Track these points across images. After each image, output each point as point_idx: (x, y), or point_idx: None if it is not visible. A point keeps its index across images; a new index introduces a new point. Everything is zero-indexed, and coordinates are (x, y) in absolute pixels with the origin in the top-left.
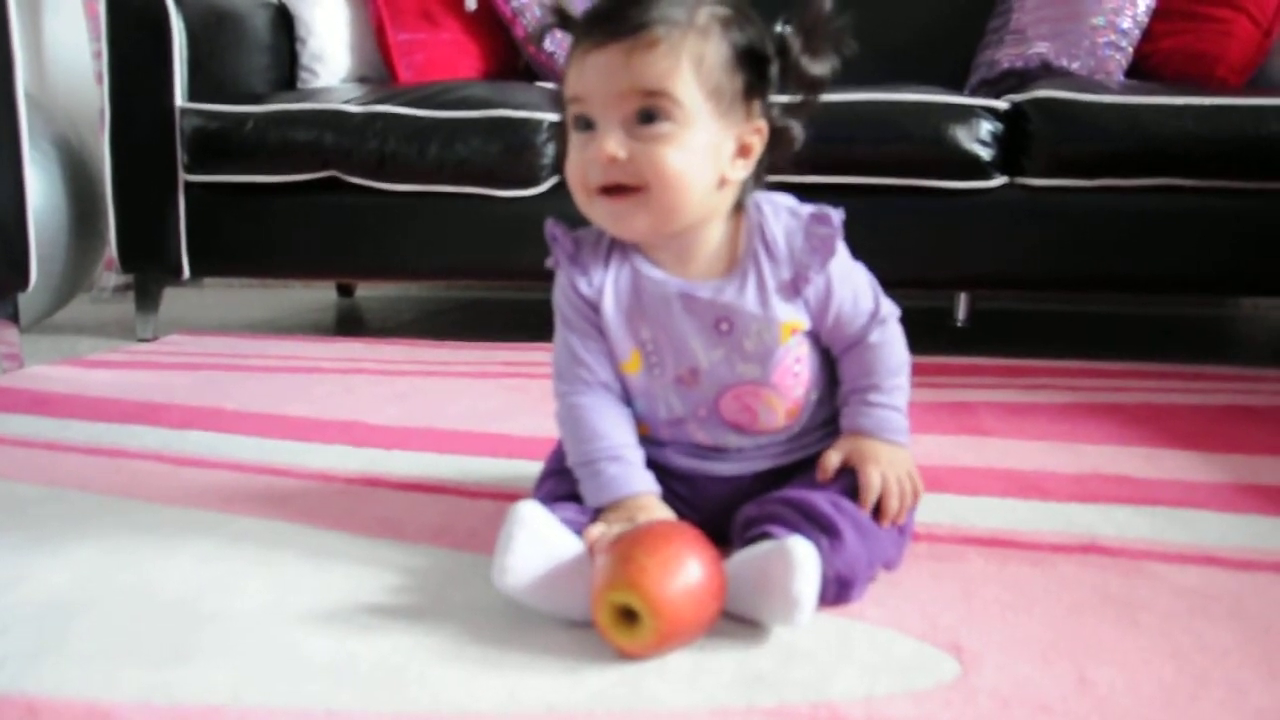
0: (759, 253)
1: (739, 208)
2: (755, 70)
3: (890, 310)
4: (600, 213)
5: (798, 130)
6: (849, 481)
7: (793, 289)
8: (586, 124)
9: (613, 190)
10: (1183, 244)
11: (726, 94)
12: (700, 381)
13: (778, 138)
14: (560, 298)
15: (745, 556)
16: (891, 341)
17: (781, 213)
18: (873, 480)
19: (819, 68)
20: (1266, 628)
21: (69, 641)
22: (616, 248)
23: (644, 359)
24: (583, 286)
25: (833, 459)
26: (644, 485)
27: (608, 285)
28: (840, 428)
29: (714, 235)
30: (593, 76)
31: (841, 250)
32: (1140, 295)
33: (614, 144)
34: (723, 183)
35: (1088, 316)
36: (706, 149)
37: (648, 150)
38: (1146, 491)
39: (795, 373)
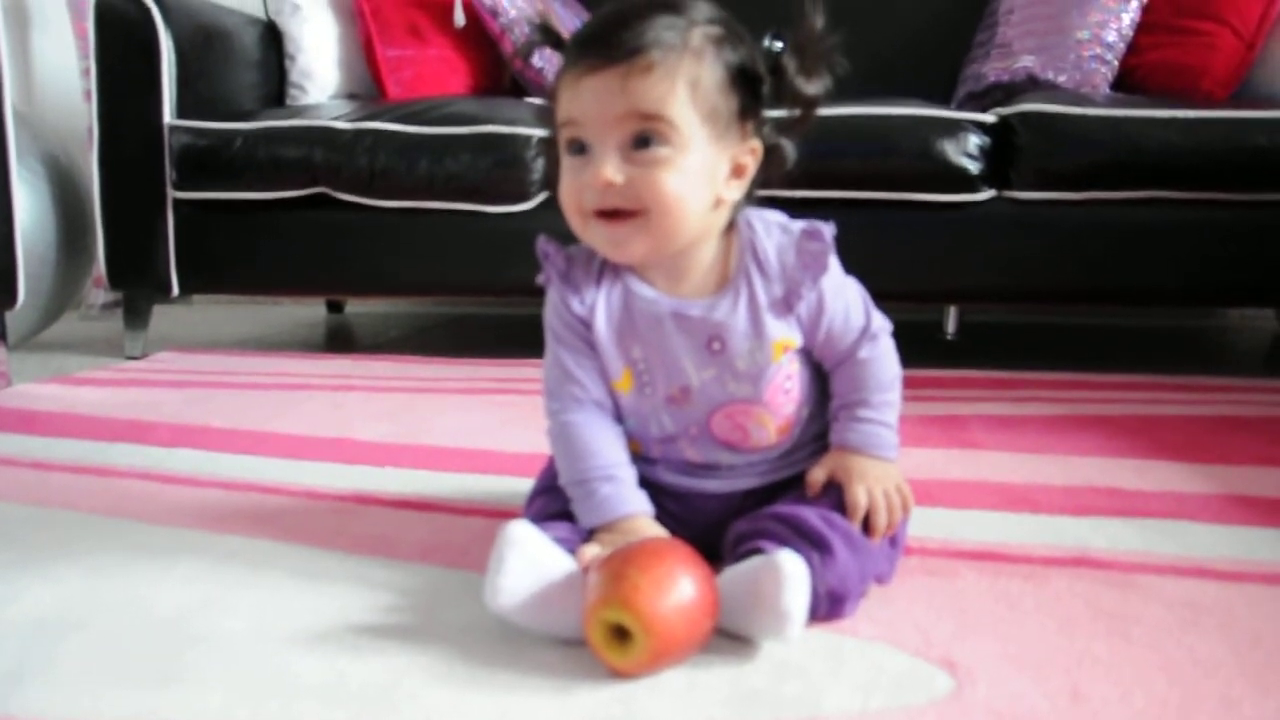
0: (750, 270)
1: (730, 225)
2: (749, 90)
3: (882, 325)
4: (598, 238)
5: (790, 149)
6: (839, 496)
7: (785, 306)
8: (580, 147)
9: (609, 214)
10: (1170, 256)
11: (722, 115)
12: (692, 400)
13: (770, 156)
14: (552, 315)
15: (735, 572)
16: (881, 357)
17: (773, 229)
18: (858, 498)
19: (813, 87)
20: (1257, 640)
21: (56, 663)
22: (608, 266)
23: (635, 378)
24: (575, 305)
25: (818, 475)
26: (638, 506)
27: (599, 304)
28: (829, 442)
29: (706, 254)
30: (587, 100)
31: (834, 265)
32: (1128, 307)
33: (611, 169)
34: (718, 203)
35: (1077, 328)
36: (702, 171)
37: (645, 174)
38: (1137, 503)
39: (786, 390)
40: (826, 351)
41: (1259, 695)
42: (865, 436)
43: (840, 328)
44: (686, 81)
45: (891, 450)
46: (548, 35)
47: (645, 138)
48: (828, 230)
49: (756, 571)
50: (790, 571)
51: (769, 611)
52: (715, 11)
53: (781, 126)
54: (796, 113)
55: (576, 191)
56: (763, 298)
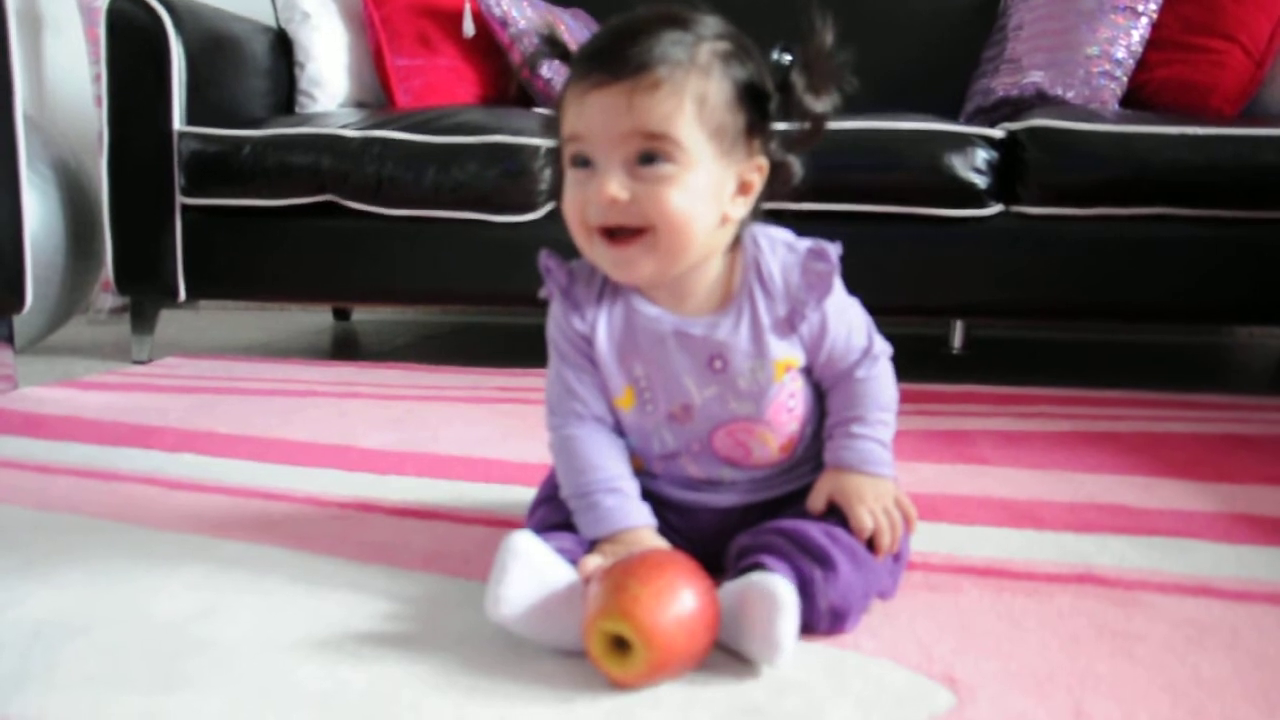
0: (754, 289)
1: (735, 242)
2: (757, 106)
3: (882, 349)
4: (603, 258)
5: (797, 166)
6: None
7: (788, 325)
8: (584, 162)
9: (615, 234)
10: (1177, 272)
11: (729, 133)
12: (693, 418)
13: (777, 172)
14: (554, 330)
15: (733, 588)
16: (879, 378)
17: (779, 247)
18: (864, 521)
19: (821, 104)
20: (1262, 660)
21: (58, 667)
22: (610, 282)
23: (637, 395)
24: (576, 322)
25: (817, 503)
26: (641, 518)
27: (601, 321)
28: (824, 461)
29: (710, 271)
30: (593, 116)
31: (838, 286)
32: (1135, 323)
33: (615, 185)
34: (724, 220)
35: (1083, 344)
36: (708, 189)
37: (650, 191)
38: (1142, 521)
39: (790, 408)
40: (826, 371)
41: (1263, 716)
42: (860, 454)
43: (842, 349)
44: (693, 98)
45: (886, 467)
46: (554, 47)
47: (650, 155)
48: (834, 250)
49: (749, 593)
50: (785, 601)
51: (760, 638)
52: (724, 27)
53: (789, 142)
54: (804, 128)
55: (580, 206)
56: (765, 317)
